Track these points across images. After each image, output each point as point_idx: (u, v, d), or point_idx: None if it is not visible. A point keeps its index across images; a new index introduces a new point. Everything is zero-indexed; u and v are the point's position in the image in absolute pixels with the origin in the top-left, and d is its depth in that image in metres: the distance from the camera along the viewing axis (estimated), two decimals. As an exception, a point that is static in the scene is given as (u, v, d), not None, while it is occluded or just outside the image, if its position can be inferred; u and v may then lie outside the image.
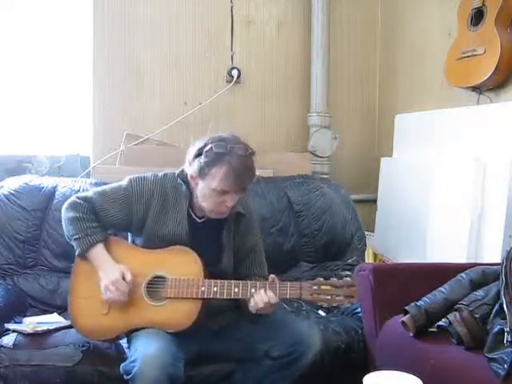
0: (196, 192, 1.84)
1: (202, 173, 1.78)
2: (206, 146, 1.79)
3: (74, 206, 1.86)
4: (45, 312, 2.31)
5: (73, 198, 1.89)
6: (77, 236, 1.83)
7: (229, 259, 1.91)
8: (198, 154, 1.79)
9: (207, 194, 1.79)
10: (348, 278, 1.78)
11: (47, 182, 2.57)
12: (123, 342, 1.93)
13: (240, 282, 1.77)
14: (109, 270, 1.79)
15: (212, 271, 1.82)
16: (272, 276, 1.78)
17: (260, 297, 1.73)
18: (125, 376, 1.67)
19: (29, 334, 1.97)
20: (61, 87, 2.99)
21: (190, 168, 1.82)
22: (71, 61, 3.00)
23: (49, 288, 2.41)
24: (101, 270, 1.81)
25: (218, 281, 1.77)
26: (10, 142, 2.93)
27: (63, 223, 1.88)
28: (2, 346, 1.90)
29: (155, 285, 1.82)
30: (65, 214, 1.88)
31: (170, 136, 3.06)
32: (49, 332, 2.01)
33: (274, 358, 1.80)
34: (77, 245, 1.84)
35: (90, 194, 1.91)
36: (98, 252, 1.83)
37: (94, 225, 1.84)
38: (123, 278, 1.78)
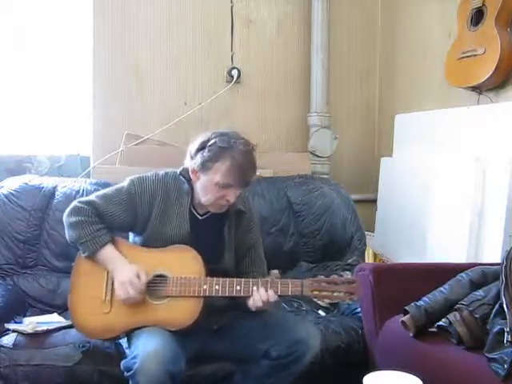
0: (196, 186, 1.85)
1: (205, 167, 1.79)
2: (209, 140, 1.80)
3: (76, 211, 1.84)
4: (45, 312, 2.31)
5: (74, 203, 1.87)
6: (83, 240, 1.81)
7: (230, 256, 1.91)
8: (201, 148, 1.80)
9: (209, 188, 1.80)
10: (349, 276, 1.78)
11: (47, 182, 2.56)
12: (123, 342, 1.93)
13: (242, 279, 1.78)
14: (124, 269, 1.79)
15: (214, 268, 1.82)
16: (275, 271, 1.78)
17: (258, 296, 1.74)
18: (125, 373, 1.67)
19: (29, 334, 1.96)
20: (61, 87, 2.99)
21: (192, 162, 1.83)
22: (71, 61, 3.00)
23: (49, 288, 2.41)
24: (115, 269, 1.80)
25: (220, 279, 1.77)
26: (10, 141, 2.93)
27: (66, 229, 1.86)
28: (2, 345, 1.90)
29: (156, 284, 1.82)
30: (67, 219, 1.85)
31: (170, 136, 3.05)
32: (49, 332, 2.01)
33: (273, 359, 1.79)
34: (84, 248, 1.82)
35: (92, 197, 1.89)
36: (109, 252, 1.83)
37: (100, 226, 1.83)
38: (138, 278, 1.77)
